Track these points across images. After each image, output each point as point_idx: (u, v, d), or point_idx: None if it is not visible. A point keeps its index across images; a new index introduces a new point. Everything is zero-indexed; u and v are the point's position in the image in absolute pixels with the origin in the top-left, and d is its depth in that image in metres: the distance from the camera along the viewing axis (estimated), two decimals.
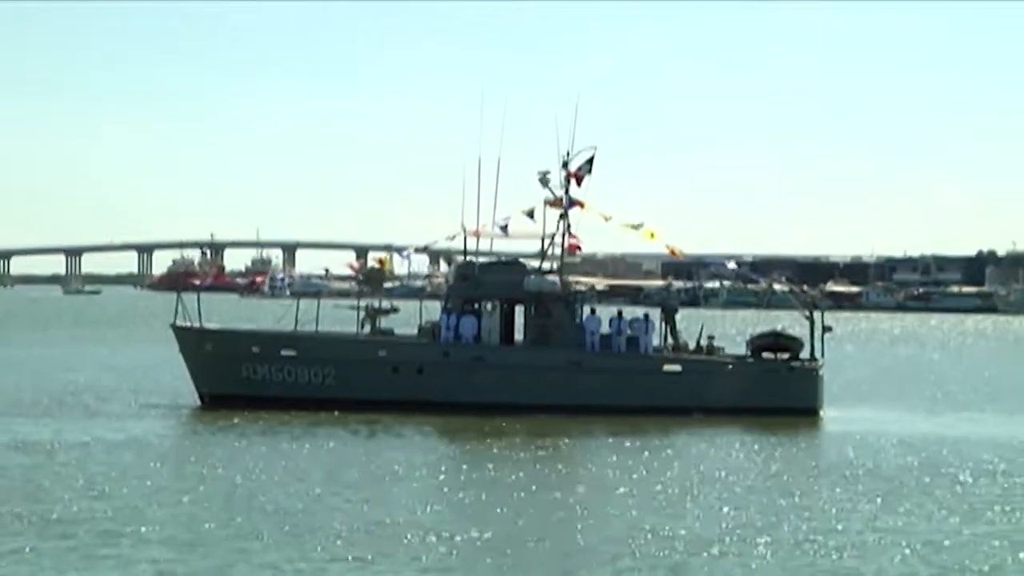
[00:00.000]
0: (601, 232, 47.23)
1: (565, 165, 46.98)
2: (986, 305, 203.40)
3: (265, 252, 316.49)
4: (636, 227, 48.22)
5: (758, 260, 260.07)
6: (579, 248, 47.89)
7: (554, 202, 46.91)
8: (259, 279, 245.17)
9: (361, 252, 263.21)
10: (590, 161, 46.85)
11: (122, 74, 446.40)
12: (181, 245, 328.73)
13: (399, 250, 54.53)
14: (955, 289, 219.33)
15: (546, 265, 47.43)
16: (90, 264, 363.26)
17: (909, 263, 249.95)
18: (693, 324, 51.15)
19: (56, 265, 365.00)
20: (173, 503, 27.62)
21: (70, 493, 28.54)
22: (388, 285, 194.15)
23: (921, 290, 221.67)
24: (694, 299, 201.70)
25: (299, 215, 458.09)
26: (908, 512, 28.16)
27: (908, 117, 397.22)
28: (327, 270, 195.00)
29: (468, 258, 48.05)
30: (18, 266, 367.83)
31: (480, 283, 46.12)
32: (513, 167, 48.83)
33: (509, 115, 47.71)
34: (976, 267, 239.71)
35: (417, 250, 54.05)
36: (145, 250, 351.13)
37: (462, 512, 27.40)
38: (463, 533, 25.16)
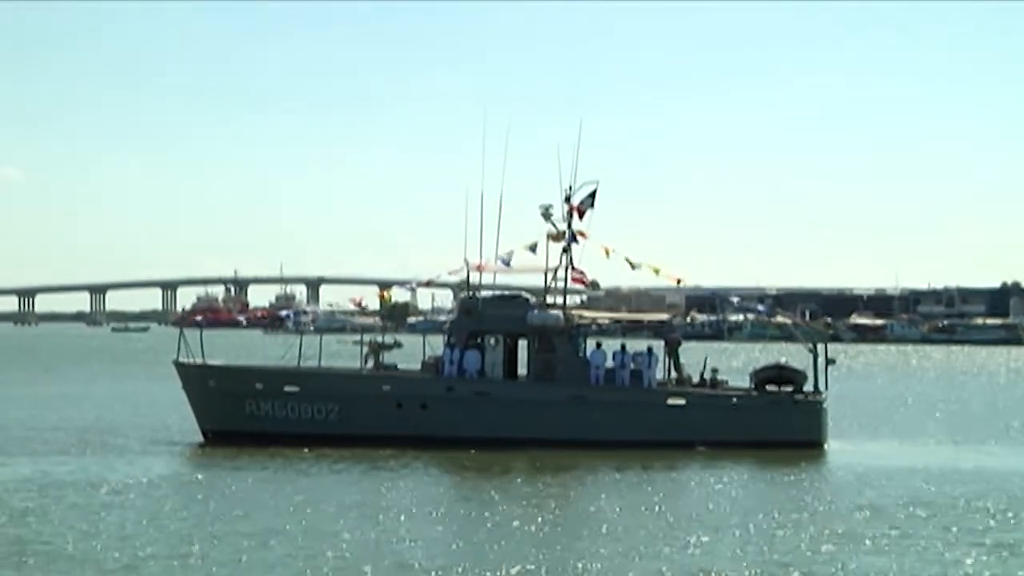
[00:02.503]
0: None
1: (567, 199, 46.99)
2: (1011, 337, 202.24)
3: (289, 288, 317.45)
4: (634, 265, 48.03)
5: (782, 293, 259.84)
6: (583, 282, 47.69)
7: (556, 236, 46.87)
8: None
9: (385, 287, 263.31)
10: (592, 195, 46.81)
11: (145, 111, 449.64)
12: (205, 282, 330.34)
13: (404, 284, 54.32)
14: (979, 321, 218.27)
15: (552, 299, 47.32)
16: (114, 301, 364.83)
17: (933, 295, 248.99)
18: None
19: (81, 302, 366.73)
20: (178, 543, 27.34)
21: (70, 532, 28.43)
22: (412, 320, 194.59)
23: (945, 322, 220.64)
24: (718, 332, 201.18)
25: (323, 251, 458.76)
26: (908, 550, 27.72)
27: (932, 149, 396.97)
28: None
29: (471, 292, 47.97)
30: (43, 304, 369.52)
31: (483, 317, 46.04)
32: (517, 201, 48.87)
33: (511, 149, 47.49)
34: (1000, 299, 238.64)
35: (420, 284, 54.04)
36: (169, 287, 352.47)
37: (468, 548, 27.24)
38: (470, 570, 25.06)
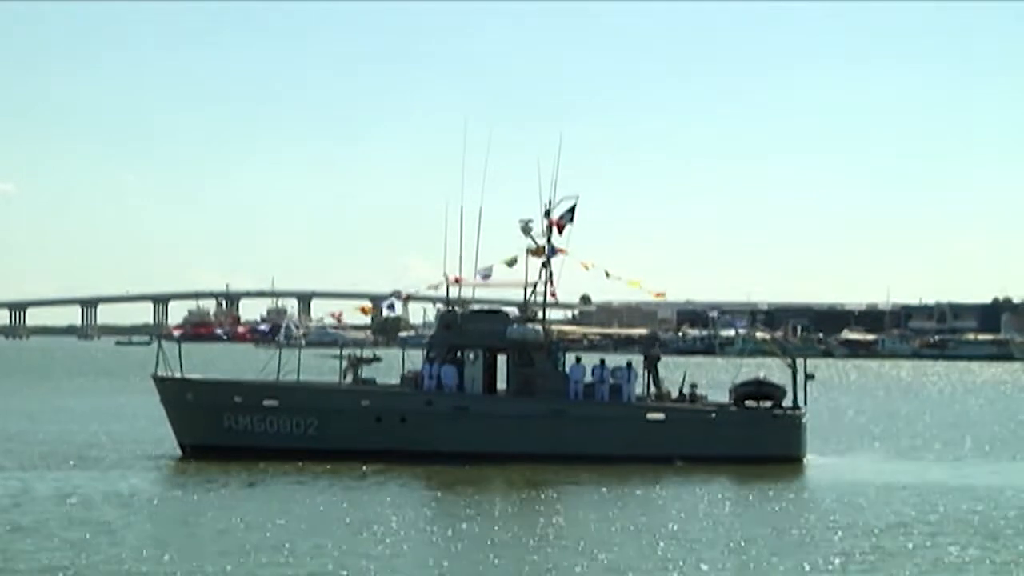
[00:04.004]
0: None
1: (547, 213, 46.99)
2: (1002, 352, 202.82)
3: (280, 302, 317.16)
4: (610, 277, 48.18)
5: (774, 308, 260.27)
6: (556, 298, 47.70)
7: (536, 251, 46.87)
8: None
9: (376, 301, 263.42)
10: (572, 210, 46.86)
11: (138, 125, 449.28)
12: (197, 295, 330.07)
13: (383, 298, 54.32)
14: (971, 336, 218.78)
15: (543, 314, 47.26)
16: (106, 315, 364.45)
17: (925, 311, 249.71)
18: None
19: (72, 316, 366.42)
20: (153, 561, 27.07)
21: (48, 546, 28.35)
22: (403, 334, 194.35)
23: (937, 338, 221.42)
24: (709, 347, 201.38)
25: (314, 265, 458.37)
26: (885, 567, 27.53)
27: (924, 164, 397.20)
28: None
29: (451, 307, 47.93)
30: (34, 317, 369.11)
31: (463, 332, 46.01)
32: (499, 214, 48.93)
33: (493, 161, 47.44)
34: (992, 314, 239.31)
35: (399, 298, 54.06)
36: (161, 300, 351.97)
37: (447, 564, 27.19)
38: None
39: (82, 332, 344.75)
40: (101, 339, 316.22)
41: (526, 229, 46.86)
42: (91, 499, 35.20)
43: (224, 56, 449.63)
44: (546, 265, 47.04)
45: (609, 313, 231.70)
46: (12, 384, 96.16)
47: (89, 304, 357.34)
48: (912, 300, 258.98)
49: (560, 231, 46.88)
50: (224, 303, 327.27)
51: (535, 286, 47.17)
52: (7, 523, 31.12)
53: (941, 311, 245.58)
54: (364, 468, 41.39)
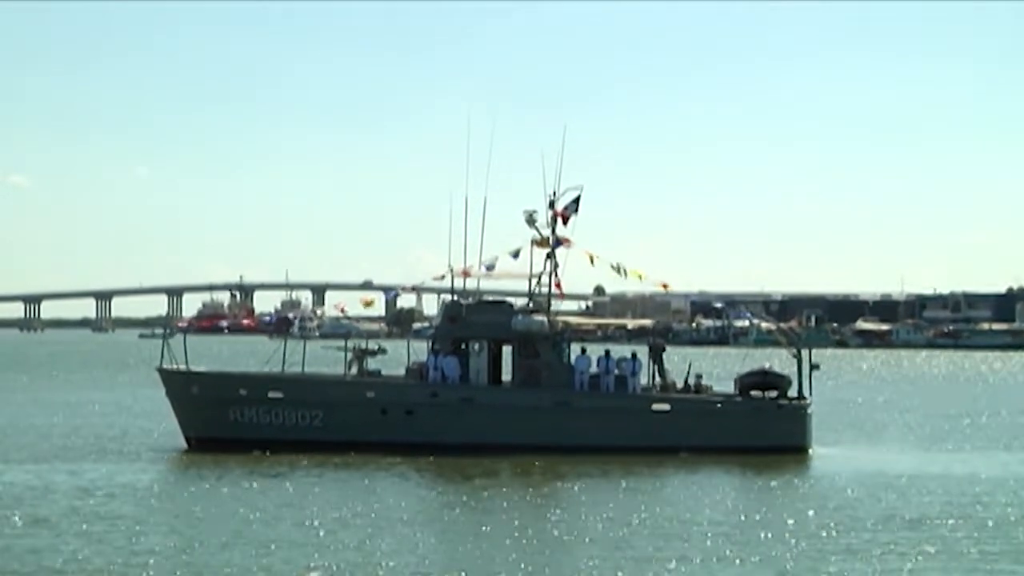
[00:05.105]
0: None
1: (551, 204, 46.92)
2: (1017, 342, 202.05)
3: (294, 294, 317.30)
4: (618, 270, 48.11)
5: (788, 298, 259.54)
6: (561, 289, 47.66)
7: (541, 242, 46.82)
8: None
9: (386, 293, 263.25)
10: (576, 201, 46.80)
11: (151, 118, 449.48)
12: (211, 288, 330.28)
13: (388, 290, 54.39)
14: (985, 326, 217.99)
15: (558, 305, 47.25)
16: (120, 308, 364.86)
17: (939, 300, 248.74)
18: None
19: (86, 309, 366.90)
20: (172, 555, 27.11)
21: (66, 540, 28.41)
22: (417, 326, 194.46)
23: (951, 327, 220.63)
24: (723, 338, 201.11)
25: (329, 257, 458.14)
26: (883, 558, 27.42)
27: (938, 153, 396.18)
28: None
29: (456, 299, 47.91)
30: (48, 310, 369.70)
31: (468, 324, 45.98)
32: (504, 205, 48.87)
33: (496, 155, 47.50)
34: (1006, 304, 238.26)
35: (404, 290, 54.11)
36: (175, 293, 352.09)
37: (453, 555, 27.20)
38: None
39: (96, 325, 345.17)
40: (117, 331, 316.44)
41: (531, 220, 46.88)
42: (106, 492, 35.30)
43: (236, 50, 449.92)
44: (551, 256, 47.02)
45: (623, 304, 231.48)
46: (27, 378, 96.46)
47: (103, 297, 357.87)
48: (926, 290, 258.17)
49: (565, 222, 46.86)
50: (238, 295, 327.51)
51: (540, 277, 47.17)
52: (25, 517, 31.26)
53: (955, 301, 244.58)
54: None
